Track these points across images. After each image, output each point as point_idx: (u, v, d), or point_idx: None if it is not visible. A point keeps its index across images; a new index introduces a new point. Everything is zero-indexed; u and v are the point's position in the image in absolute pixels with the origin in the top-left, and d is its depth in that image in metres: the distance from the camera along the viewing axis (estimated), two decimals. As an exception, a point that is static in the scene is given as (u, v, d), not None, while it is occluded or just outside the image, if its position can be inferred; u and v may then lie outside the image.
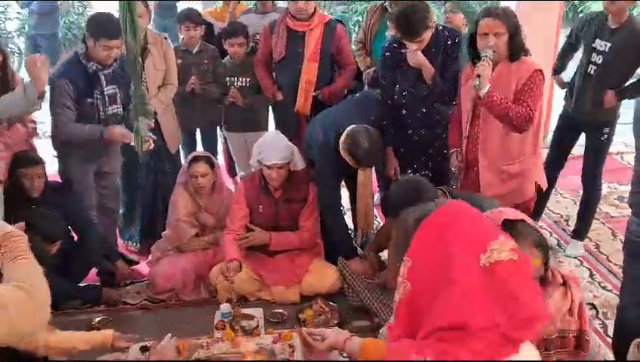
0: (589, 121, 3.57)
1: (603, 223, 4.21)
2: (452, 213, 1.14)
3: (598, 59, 3.44)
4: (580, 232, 3.87)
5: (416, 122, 3.41)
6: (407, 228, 1.17)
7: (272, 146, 3.27)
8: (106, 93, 3.31)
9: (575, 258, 3.78)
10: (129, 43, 2.75)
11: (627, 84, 3.48)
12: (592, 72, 3.45)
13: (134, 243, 4.01)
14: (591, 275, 3.61)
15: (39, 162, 3.24)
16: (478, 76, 2.76)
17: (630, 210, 2.53)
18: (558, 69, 3.91)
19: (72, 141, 3.31)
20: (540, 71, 2.85)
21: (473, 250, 1.07)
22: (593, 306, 3.28)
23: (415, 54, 3.21)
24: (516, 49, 2.83)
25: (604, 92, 3.43)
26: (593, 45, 3.46)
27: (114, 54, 3.24)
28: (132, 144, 3.22)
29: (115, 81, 3.34)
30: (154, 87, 3.71)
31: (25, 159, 3.21)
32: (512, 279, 1.07)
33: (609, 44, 3.38)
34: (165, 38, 3.83)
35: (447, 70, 3.28)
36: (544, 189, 3.16)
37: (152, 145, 3.26)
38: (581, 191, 3.86)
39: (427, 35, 3.18)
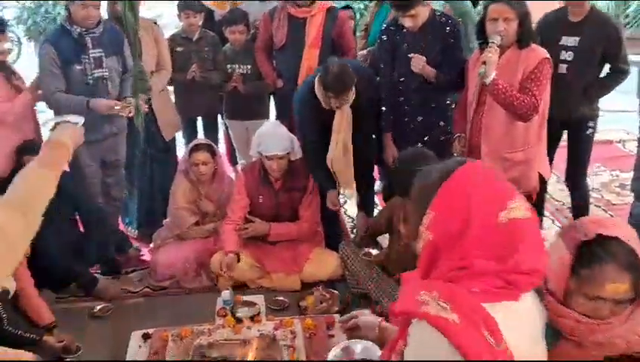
0: (570, 119, 3.41)
1: (605, 210, 4.21)
2: (475, 171, 1.22)
3: (568, 55, 3.30)
4: None
5: (413, 109, 3.37)
6: (430, 182, 1.22)
7: (271, 137, 3.26)
8: (91, 56, 3.30)
9: None
10: (128, 18, 2.76)
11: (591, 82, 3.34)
12: (563, 70, 3.30)
13: (133, 229, 4.03)
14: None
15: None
16: (484, 63, 2.74)
17: (632, 197, 2.53)
18: None
19: (60, 111, 3.25)
20: (548, 59, 2.82)
21: (493, 206, 1.16)
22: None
23: (419, 61, 3.18)
24: (525, 36, 2.81)
25: (580, 87, 3.30)
26: (560, 43, 3.32)
27: (93, 14, 3.24)
28: (121, 115, 3.29)
29: (101, 45, 3.33)
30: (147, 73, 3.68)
31: (31, 148, 3.20)
32: (523, 235, 1.15)
33: (578, 38, 3.27)
34: (155, 23, 3.82)
35: (448, 59, 3.24)
36: (547, 179, 3.14)
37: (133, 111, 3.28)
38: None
39: (422, 12, 3.13)
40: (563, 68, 3.30)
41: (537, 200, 3.64)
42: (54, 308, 3.17)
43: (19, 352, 2.45)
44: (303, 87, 3.37)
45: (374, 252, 3.22)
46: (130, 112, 3.27)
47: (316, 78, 3.19)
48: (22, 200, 1.45)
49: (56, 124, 1.77)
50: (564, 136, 3.60)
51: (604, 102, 3.60)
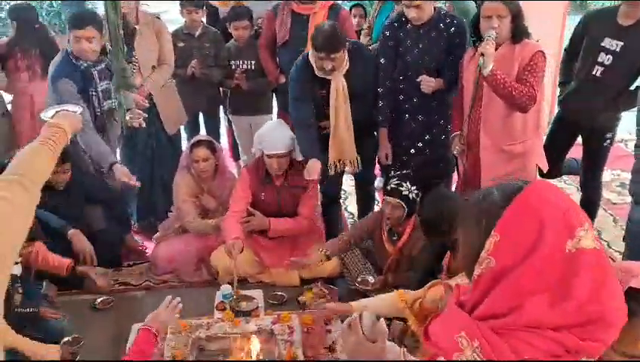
0: (591, 126, 3.32)
1: (605, 210, 4.21)
2: (545, 192, 1.08)
3: (606, 59, 3.15)
4: None
5: (414, 108, 3.39)
6: (493, 203, 1.09)
7: (273, 136, 3.28)
8: (99, 89, 3.36)
9: None
10: (110, 16, 2.79)
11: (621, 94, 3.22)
12: (597, 73, 3.17)
13: (133, 222, 4.07)
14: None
15: (65, 160, 3.23)
16: (482, 55, 2.76)
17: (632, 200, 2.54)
18: (565, 81, 3.54)
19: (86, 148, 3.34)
20: (542, 52, 2.87)
21: (563, 234, 1.02)
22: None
23: (429, 83, 3.22)
24: (519, 31, 2.87)
25: (610, 95, 3.16)
26: (602, 44, 3.15)
27: (88, 47, 3.24)
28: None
29: (109, 76, 3.38)
30: (147, 68, 3.73)
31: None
32: (592, 270, 1.01)
33: (621, 43, 3.10)
34: (157, 18, 3.83)
35: (453, 59, 3.24)
36: (544, 171, 3.17)
37: (143, 123, 3.30)
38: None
39: (427, 6, 3.16)
40: (598, 71, 3.17)
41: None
42: (57, 300, 3.22)
43: (47, 346, 2.53)
44: (300, 60, 3.37)
45: (371, 279, 3.20)
46: (141, 123, 3.31)
47: (309, 44, 3.23)
48: (24, 176, 1.51)
49: (57, 112, 1.88)
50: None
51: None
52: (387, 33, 3.37)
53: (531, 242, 1.02)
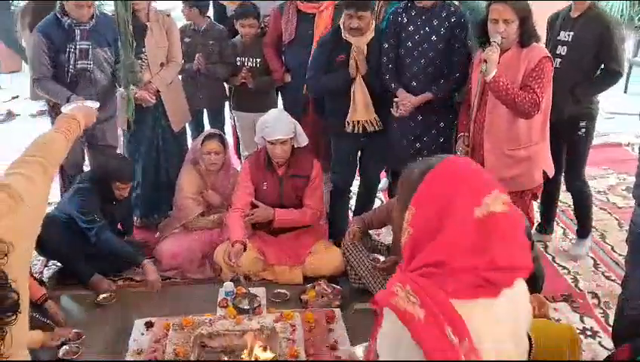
0: (560, 118, 3.29)
1: (610, 213, 4.19)
2: (454, 166, 1.24)
3: (562, 50, 3.30)
4: (583, 231, 3.73)
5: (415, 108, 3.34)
6: (411, 180, 1.25)
7: (274, 122, 3.30)
8: (78, 47, 3.41)
9: (578, 259, 3.63)
10: (120, 12, 2.84)
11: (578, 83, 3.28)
12: (557, 65, 3.22)
13: (137, 218, 4.08)
14: (595, 265, 3.61)
15: (130, 179, 3.51)
16: (485, 61, 2.75)
17: (635, 203, 2.52)
18: None
19: (44, 97, 3.50)
20: (549, 57, 2.85)
21: (470, 202, 1.17)
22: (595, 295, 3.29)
23: (407, 104, 3.25)
24: (526, 36, 2.84)
25: (569, 86, 3.23)
26: (558, 38, 3.33)
27: (85, 13, 3.37)
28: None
29: (90, 37, 3.44)
30: (156, 65, 3.75)
31: (123, 174, 3.45)
32: (499, 231, 1.17)
33: (571, 33, 3.27)
34: (168, 15, 3.86)
35: (451, 50, 3.25)
36: (550, 176, 3.14)
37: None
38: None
39: None
40: (557, 62, 3.26)
41: (548, 198, 3.63)
42: (59, 295, 3.24)
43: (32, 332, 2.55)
44: (332, 29, 3.55)
45: (381, 258, 3.23)
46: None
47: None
48: (45, 158, 1.62)
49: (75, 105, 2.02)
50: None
51: (615, 105, 3.56)
52: (392, 18, 3.39)
53: (441, 211, 1.18)
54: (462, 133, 3.16)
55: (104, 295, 3.26)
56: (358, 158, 3.74)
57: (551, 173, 3.13)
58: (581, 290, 3.34)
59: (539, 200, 3.46)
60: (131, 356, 2.75)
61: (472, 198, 1.18)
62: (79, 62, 3.43)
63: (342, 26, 3.39)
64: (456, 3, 3.43)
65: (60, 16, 3.39)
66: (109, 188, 3.41)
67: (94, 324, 3.04)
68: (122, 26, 2.91)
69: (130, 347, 2.80)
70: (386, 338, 1.22)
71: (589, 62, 3.28)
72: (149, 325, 2.93)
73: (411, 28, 3.28)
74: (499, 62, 2.82)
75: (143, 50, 3.65)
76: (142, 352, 2.76)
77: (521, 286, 1.26)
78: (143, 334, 2.88)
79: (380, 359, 1.23)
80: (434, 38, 3.24)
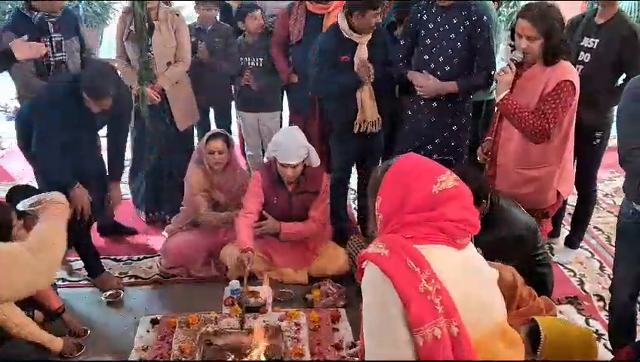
0: (578, 125, 3.22)
1: (616, 216, 4.16)
2: (410, 158, 1.53)
3: (585, 57, 3.24)
4: (574, 241, 3.73)
5: (427, 107, 3.35)
6: (376, 177, 1.51)
7: (287, 147, 3.25)
8: (53, 39, 3.40)
9: (564, 265, 3.62)
10: (137, 9, 2.84)
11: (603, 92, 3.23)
12: (579, 72, 3.13)
13: (143, 214, 4.12)
14: (601, 267, 3.60)
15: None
16: (496, 82, 2.72)
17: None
18: None
19: (31, 92, 3.37)
20: (570, 82, 2.66)
21: (426, 183, 1.43)
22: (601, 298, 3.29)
23: (430, 84, 3.24)
24: (550, 54, 2.67)
25: (592, 93, 3.12)
26: (581, 44, 3.25)
27: (59, 4, 3.37)
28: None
29: (61, 29, 3.43)
30: (162, 64, 3.75)
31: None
32: (453, 199, 1.42)
33: (597, 40, 3.21)
34: (177, 15, 3.82)
35: (480, 55, 3.22)
36: (564, 198, 3.03)
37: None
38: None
39: None
40: (579, 69, 3.19)
41: (556, 216, 3.51)
42: (65, 292, 3.26)
43: (52, 338, 2.68)
44: (330, 30, 3.53)
45: None
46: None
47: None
48: (36, 244, 1.80)
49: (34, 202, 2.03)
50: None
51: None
52: (412, 15, 3.37)
53: (403, 194, 1.43)
54: (488, 138, 3.05)
55: (110, 292, 3.27)
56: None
57: (565, 194, 3.00)
58: (587, 293, 3.34)
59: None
60: (137, 353, 2.76)
61: (428, 178, 1.43)
62: (57, 54, 3.42)
63: (341, 27, 3.39)
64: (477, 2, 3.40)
65: (26, 13, 3.36)
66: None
67: (100, 321, 3.06)
68: (139, 23, 2.91)
69: (135, 344, 2.82)
70: (366, 283, 1.41)
71: (612, 70, 3.23)
72: (154, 322, 2.94)
73: (431, 25, 3.27)
74: (521, 76, 2.75)
75: (150, 48, 3.66)
76: (147, 349, 2.77)
77: (473, 249, 1.50)
78: (148, 331, 2.90)
79: (364, 302, 1.41)
80: (452, 35, 3.20)
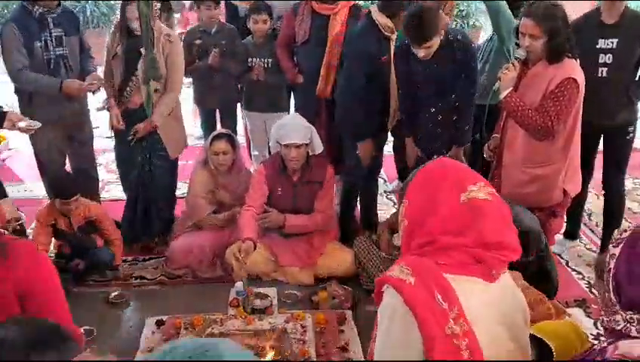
0: (610, 124, 3.28)
1: (625, 219, 4.13)
2: (442, 162, 1.43)
3: (607, 58, 3.20)
4: (606, 245, 3.62)
5: (430, 114, 3.31)
6: (408, 179, 1.42)
7: (290, 127, 3.30)
8: (53, 34, 3.42)
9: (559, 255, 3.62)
10: (142, 10, 2.85)
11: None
12: (603, 74, 3.20)
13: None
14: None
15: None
16: (499, 79, 2.71)
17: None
18: None
19: (29, 89, 3.42)
20: (573, 80, 2.66)
21: (455, 189, 1.30)
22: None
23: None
24: (554, 52, 2.67)
25: (622, 90, 3.21)
26: (598, 46, 3.21)
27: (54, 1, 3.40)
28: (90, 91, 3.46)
29: (61, 25, 3.46)
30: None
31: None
32: (484, 213, 1.28)
33: (615, 40, 3.18)
34: (170, 40, 3.47)
35: (458, 83, 3.19)
36: (572, 196, 3.00)
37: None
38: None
39: (436, 42, 3.02)
40: (603, 72, 3.21)
41: (573, 216, 3.57)
42: (72, 292, 3.25)
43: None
44: (365, 23, 3.42)
45: (396, 243, 3.22)
46: (98, 87, 3.46)
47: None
48: None
49: None
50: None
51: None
52: (399, 54, 3.28)
53: (430, 199, 1.31)
54: (495, 135, 3.06)
55: (116, 293, 3.27)
56: None
57: (572, 192, 2.98)
58: (595, 295, 3.31)
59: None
60: (142, 354, 2.75)
61: (457, 185, 1.31)
62: (57, 49, 3.44)
63: (379, 24, 3.33)
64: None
65: (28, 6, 3.39)
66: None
67: (106, 322, 3.05)
68: (144, 23, 2.91)
69: (141, 345, 2.81)
70: (384, 311, 1.28)
71: (635, 63, 3.25)
72: (160, 323, 2.93)
73: (420, 68, 3.18)
74: (526, 75, 2.74)
75: (135, 72, 3.47)
76: (153, 350, 2.76)
77: (509, 280, 1.35)
78: (153, 332, 2.90)
79: (379, 331, 1.28)
80: (444, 71, 3.15)
